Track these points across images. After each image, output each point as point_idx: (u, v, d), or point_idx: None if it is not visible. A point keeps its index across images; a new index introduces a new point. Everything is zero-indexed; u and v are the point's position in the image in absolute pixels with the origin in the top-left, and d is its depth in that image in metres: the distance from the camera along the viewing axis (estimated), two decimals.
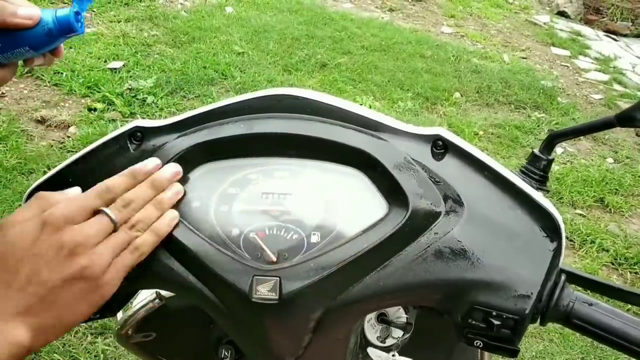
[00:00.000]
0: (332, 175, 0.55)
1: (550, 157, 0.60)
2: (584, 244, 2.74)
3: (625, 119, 0.55)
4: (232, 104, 0.58)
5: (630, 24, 6.76)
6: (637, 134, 4.05)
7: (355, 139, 0.54)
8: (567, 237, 2.74)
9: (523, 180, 0.54)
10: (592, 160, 3.58)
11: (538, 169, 0.61)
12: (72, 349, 1.77)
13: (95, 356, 1.76)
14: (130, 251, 0.51)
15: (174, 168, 0.56)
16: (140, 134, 0.59)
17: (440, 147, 0.54)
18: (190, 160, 0.57)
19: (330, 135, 0.55)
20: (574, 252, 2.71)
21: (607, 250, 2.71)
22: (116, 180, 0.53)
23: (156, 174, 0.55)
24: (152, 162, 0.55)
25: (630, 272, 2.63)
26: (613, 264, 2.66)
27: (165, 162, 0.56)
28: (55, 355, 1.74)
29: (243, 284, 0.52)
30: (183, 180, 0.57)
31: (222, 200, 0.56)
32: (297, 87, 0.58)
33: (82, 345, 1.79)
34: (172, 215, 0.54)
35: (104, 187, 0.52)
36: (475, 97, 4.09)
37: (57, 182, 0.60)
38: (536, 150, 0.61)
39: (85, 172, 0.59)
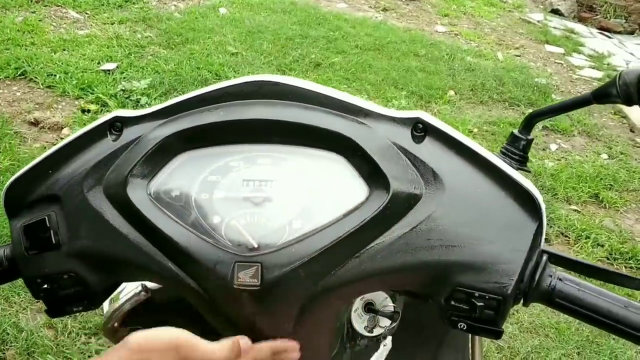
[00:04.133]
0: (313, 161, 0.55)
1: (530, 137, 0.60)
2: (579, 239, 2.75)
3: (600, 96, 0.55)
4: (212, 92, 0.57)
5: (624, 21, 6.78)
6: (631, 130, 4.06)
7: (335, 124, 0.54)
8: (562, 233, 2.76)
9: (503, 160, 0.54)
10: (586, 156, 3.59)
11: (518, 149, 0.60)
12: (66, 349, 1.76)
13: (88, 356, 1.76)
14: None
15: None
16: (119, 124, 0.59)
17: (420, 129, 0.54)
18: (170, 148, 0.57)
19: (310, 120, 0.54)
20: (569, 247, 2.71)
21: (602, 246, 2.72)
22: None
23: None
24: None
25: (625, 267, 2.64)
26: (608, 258, 2.67)
27: (145, 151, 0.56)
28: (48, 356, 1.73)
29: (224, 270, 0.52)
30: (163, 169, 0.57)
31: (203, 188, 0.56)
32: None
33: (75, 345, 1.78)
34: None
35: None
36: (470, 95, 4.10)
37: (37, 174, 0.59)
38: (515, 131, 0.61)
39: (65, 163, 0.59)
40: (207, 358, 0.51)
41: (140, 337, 0.51)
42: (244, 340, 0.53)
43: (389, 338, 0.69)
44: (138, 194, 0.55)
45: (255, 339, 0.54)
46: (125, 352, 0.50)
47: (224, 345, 0.52)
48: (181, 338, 0.51)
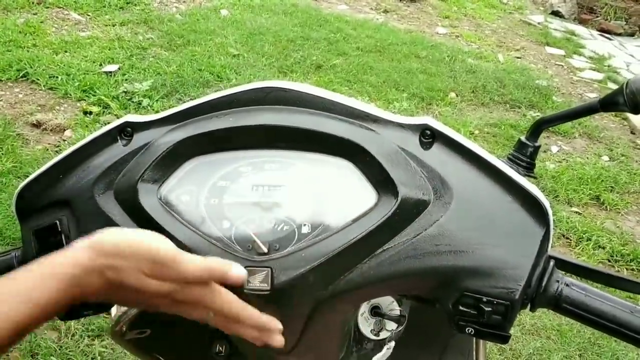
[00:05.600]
0: (321, 166, 0.56)
1: (537, 144, 0.60)
2: (580, 241, 2.75)
3: (607, 104, 0.55)
4: (221, 98, 0.58)
5: (624, 23, 6.78)
6: (632, 132, 4.06)
7: (343, 130, 0.55)
8: (563, 235, 2.76)
9: (510, 167, 0.55)
10: (587, 158, 3.59)
11: (525, 155, 0.61)
12: (69, 351, 1.76)
13: (92, 358, 1.76)
14: None
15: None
16: (130, 129, 0.59)
17: (429, 136, 0.55)
18: (180, 154, 0.57)
19: (318, 126, 0.55)
20: (570, 249, 2.71)
21: (604, 248, 2.72)
22: None
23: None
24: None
25: (627, 269, 2.64)
26: (609, 260, 2.67)
27: (155, 156, 0.56)
28: (52, 358, 1.73)
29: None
30: (174, 174, 0.57)
31: (212, 193, 0.56)
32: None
33: (79, 347, 1.78)
34: None
35: None
36: (471, 97, 4.10)
37: (48, 179, 0.60)
38: (523, 138, 0.62)
39: (75, 168, 0.60)
40: (181, 274, 0.46)
41: (116, 239, 0.46)
42: (236, 270, 0.48)
43: (391, 343, 0.70)
44: (149, 198, 0.55)
45: None
46: (93, 253, 0.45)
47: (206, 264, 0.47)
48: (161, 250, 0.46)
